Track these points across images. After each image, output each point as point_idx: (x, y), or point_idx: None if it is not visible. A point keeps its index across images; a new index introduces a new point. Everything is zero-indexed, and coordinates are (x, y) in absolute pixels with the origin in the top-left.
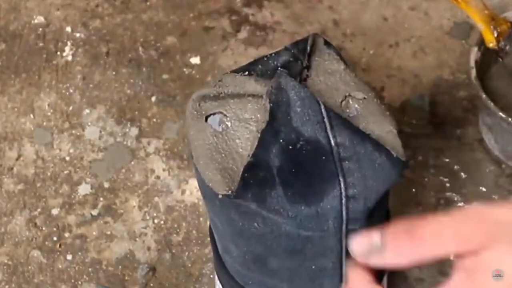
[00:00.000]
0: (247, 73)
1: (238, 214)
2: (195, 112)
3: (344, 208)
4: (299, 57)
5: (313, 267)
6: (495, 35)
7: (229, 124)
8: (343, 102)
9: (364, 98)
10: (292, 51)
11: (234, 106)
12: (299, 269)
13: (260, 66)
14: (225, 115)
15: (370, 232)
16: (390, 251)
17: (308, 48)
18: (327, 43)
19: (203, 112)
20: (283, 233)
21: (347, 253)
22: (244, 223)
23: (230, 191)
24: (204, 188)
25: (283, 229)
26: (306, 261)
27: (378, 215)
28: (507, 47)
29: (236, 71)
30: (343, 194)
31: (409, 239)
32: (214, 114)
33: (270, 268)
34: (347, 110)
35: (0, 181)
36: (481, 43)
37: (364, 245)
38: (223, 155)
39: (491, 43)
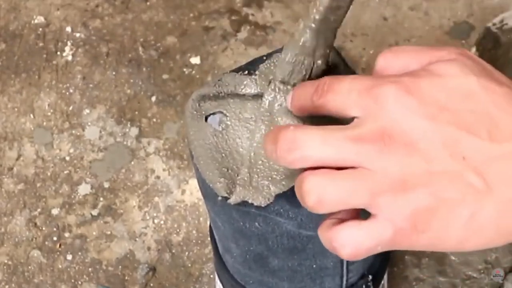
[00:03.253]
0: (246, 72)
1: (239, 214)
2: (195, 112)
3: None
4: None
5: (314, 266)
6: None
7: (229, 123)
8: None
9: None
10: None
11: (234, 106)
12: (300, 268)
13: (259, 66)
14: (225, 115)
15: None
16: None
17: None
18: None
19: (203, 112)
20: (284, 232)
21: None
22: (245, 222)
23: (229, 194)
24: (204, 187)
25: (284, 229)
26: (307, 260)
27: None
28: None
29: (235, 71)
30: None
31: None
32: (214, 113)
33: (271, 267)
34: None
35: (0, 181)
36: (480, 43)
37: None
38: (223, 154)
39: None
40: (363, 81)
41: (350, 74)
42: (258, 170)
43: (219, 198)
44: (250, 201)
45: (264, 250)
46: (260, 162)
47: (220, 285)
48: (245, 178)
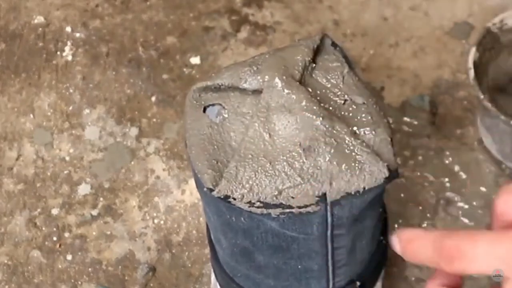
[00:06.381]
0: (248, 67)
1: (225, 207)
2: (195, 102)
3: (329, 214)
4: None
5: (299, 266)
6: None
7: (226, 116)
8: (343, 105)
9: (364, 103)
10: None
11: (234, 99)
12: (285, 267)
13: (261, 62)
14: (223, 107)
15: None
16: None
17: (315, 47)
18: (334, 44)
19: (202, 102)
20: (269, 229)
21: (333, 257)
22: (232, 216)
23: (215, 186)
24: (195, 177)
25: (268, 226)
26: (292, 260)
27: (370, 218)
28: None
29: (239, 65)
30: (328, 200)
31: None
32: (213, 105)
33: (257, 263)
34: (345, 114)
35: (0, 181)
36: (480, 43)
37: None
38: (215, 146)
39: None
40: (501, 245)
41: (352, 77)
42: (246, 165)
43: (204, 189)
44: (232, 196)
45: (249, 245)
46: (249, 156)
47: (213, 274)
48: (231, 172)
